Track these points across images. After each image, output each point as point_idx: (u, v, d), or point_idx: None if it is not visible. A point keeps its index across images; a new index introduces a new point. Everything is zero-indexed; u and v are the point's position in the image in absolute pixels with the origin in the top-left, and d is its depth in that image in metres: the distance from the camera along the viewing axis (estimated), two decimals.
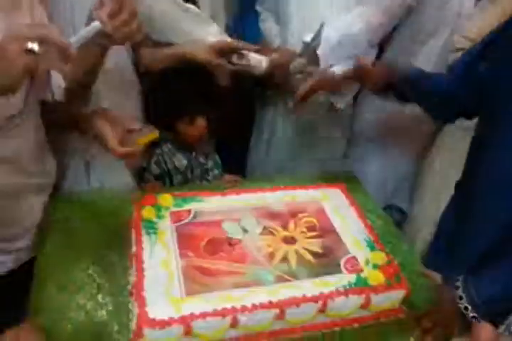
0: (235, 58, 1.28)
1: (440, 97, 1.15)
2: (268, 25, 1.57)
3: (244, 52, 1.29)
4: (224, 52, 1.25)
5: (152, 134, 0.95)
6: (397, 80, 1.19)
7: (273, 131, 1.71)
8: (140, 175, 1.36)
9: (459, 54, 1.30)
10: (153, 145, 1.36)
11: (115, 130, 0.92)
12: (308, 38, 1.31)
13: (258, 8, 1.60)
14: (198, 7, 1.32)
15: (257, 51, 1.31)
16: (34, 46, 0.63)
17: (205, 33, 1.29)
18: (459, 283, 0.92)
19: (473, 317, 0.88)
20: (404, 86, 1.19)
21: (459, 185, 1.16)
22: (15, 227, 0.98)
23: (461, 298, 0.89)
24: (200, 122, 1.30)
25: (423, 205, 1.59)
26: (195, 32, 1.28)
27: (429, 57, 1.45)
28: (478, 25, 1.31)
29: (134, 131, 0.95)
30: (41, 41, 0.63)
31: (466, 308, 0.88)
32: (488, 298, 0.88)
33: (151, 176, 1.34)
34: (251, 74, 1.34)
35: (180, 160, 1.37)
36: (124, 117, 0.94)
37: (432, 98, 1.17)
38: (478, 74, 1.02)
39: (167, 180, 1.36)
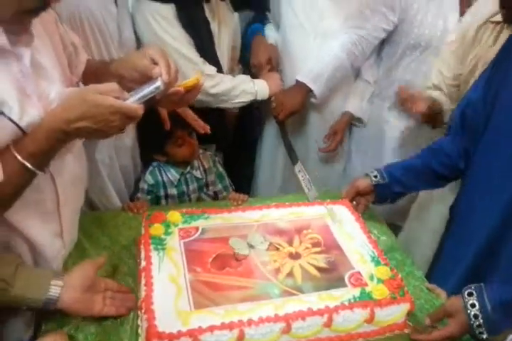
0: None
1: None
2: None
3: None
4: None
5: (194, 79, 0.94)
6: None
7: (275, 154, 1.75)
8: (136, 186, 1.44)
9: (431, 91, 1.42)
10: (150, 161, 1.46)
11: None
12: None
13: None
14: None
15: None
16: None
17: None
18: (471, 290, 0.91)
19: (479, 325, 0.87)
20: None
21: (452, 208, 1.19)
22: None
23: (473, 305, 0.89)
24: (190, 142, 1.37)
25: (417, 222, 1.60)
26: None
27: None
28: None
29: None
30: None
31: (475, 316, 0.88)
32: (498, 300, 0.88)
33: (145, 185, 1.41)
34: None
35: (173, 175, 1.43)
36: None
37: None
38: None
39: (161, 191, 1.42)
